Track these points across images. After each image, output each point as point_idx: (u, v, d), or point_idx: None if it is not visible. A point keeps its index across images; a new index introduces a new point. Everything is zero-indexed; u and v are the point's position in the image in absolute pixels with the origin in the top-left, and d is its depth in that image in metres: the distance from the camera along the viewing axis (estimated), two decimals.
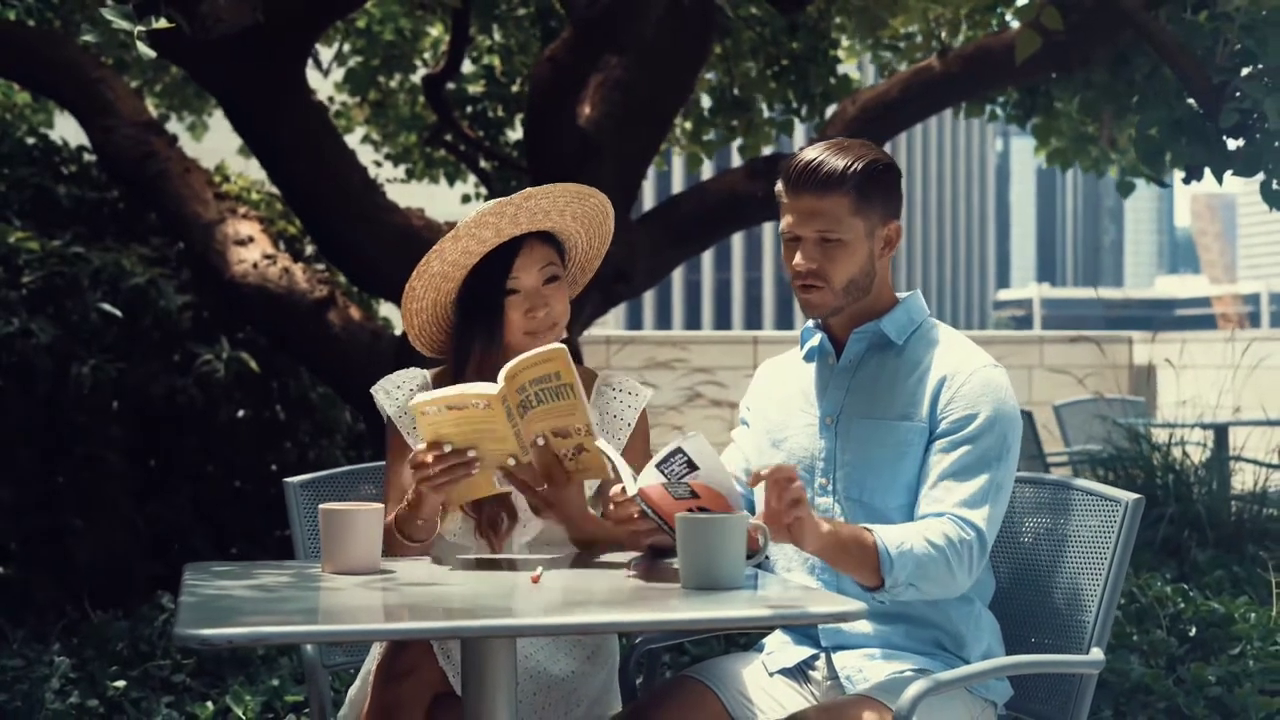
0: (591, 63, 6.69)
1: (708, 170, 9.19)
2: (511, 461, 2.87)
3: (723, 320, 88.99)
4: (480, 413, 2.80)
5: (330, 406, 7.81)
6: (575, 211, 3.17)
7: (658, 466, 2.70)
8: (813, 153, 3.01)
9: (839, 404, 3.04)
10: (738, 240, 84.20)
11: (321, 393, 7.73)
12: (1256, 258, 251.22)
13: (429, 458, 2.84)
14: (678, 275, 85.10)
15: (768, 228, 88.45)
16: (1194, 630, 4.86)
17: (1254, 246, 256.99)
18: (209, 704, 4.47)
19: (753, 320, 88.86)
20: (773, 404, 3.16)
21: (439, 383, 3.20)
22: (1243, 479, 7.16)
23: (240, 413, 7.42)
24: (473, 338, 3.12)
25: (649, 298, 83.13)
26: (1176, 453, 6.85)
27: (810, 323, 3.11)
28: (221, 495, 7.18)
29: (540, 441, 2.88)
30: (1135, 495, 3.02)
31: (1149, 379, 12.51)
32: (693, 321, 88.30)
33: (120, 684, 4.61)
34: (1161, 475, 6.70)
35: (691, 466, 2.69)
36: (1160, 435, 7.26)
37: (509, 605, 2.54)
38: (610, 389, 3.24)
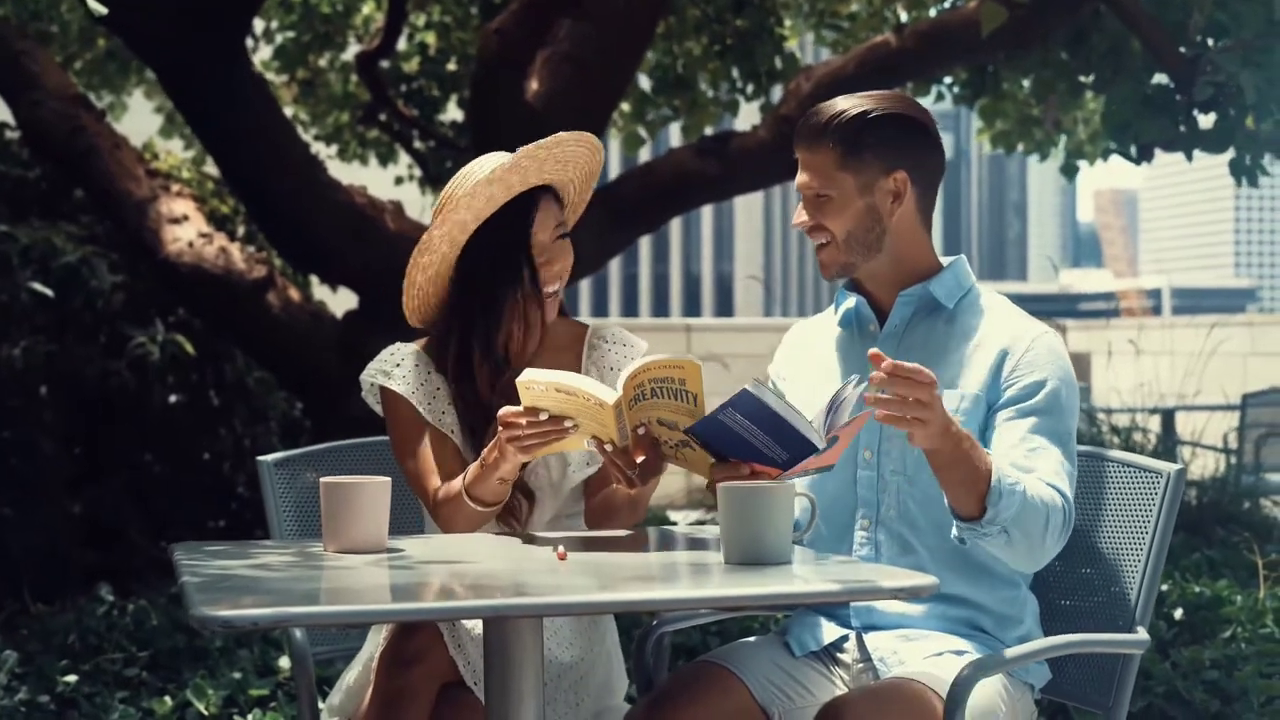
0: (539, 36, 6.49)
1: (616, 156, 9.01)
2: (609, 447, 2.67)
3: (661, 311, 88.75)
4: (589, 405, 2.61)
5: (266, 392, 7.56)
6: (581, 162, 3.02)
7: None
8: (822, 104, 2.83)
9: None
10: (675, 226, 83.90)
11: (258, 377, 7.48)
12: (1159, 252, 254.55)
13: (523, 420, 2.64)
14: (615, 266, 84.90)
15: (706, 218, 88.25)
16: (1180, 613, 4.74)
17: (1156, 241, 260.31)
18: (167, 699, 4.21)
19: (691, 313, 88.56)
20: (812, 368, 2.94)
21: (430, 353, 3.02)
22: (1204, 464, 7.09)
23: (173, 398, 7.15)
24: (482, 297, 2.94)
25: (585, 286, 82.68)
26: (1138, 437, 6.76)
27: (844, 285, 2.93)
28: (156, 483, 6.91)
29: (641, 431, 2.65)
30: (1176, 466, 2.86)
31: (1087, 367, 12.47)
32: (630, 311, 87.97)
33: (71, 679, 4.35)
34: None
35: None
36: (1119, 420, 7.17)
37: (538, 583, 2.32)
38: (604, 341, 3.08)
